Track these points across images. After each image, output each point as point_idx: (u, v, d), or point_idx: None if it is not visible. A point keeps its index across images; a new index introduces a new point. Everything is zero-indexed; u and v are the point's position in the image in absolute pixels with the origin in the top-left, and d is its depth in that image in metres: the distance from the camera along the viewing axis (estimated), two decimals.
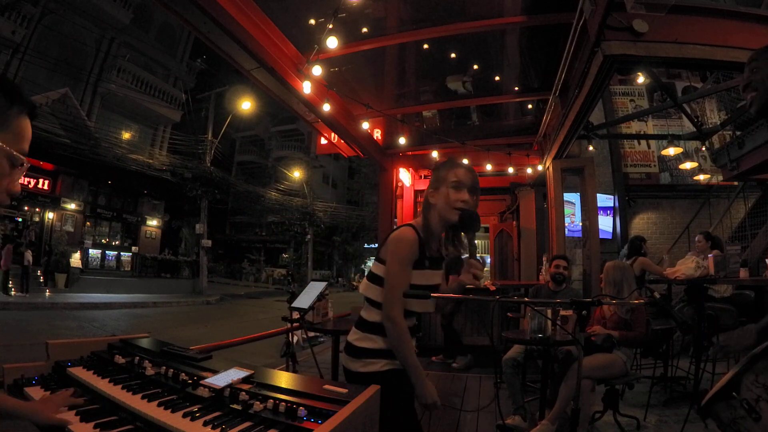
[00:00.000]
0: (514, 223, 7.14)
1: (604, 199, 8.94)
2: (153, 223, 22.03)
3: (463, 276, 1.65)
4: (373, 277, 1.64)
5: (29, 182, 16.15)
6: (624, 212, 9.15)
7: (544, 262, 5.56)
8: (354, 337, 1.66)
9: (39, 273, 14.01)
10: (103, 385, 1.29)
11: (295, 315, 3.60)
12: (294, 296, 3.49)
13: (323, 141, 6.57)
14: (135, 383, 1.29)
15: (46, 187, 16.79)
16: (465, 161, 1.87)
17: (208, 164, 17.90)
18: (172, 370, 1.33)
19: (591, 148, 6.39)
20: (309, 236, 25.29)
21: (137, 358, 1.47)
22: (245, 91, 15.46)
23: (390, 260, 1.57)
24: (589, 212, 5.71)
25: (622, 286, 3.20)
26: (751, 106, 1.20)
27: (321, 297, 3.57)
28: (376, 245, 7.50)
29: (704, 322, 3.47)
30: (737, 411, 0.98)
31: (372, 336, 1.62)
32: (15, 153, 0.79)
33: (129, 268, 19.71)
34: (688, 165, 7.38)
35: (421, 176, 7.69)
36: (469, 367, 5.25)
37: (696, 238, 4.89)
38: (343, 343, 1.74)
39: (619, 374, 2.91)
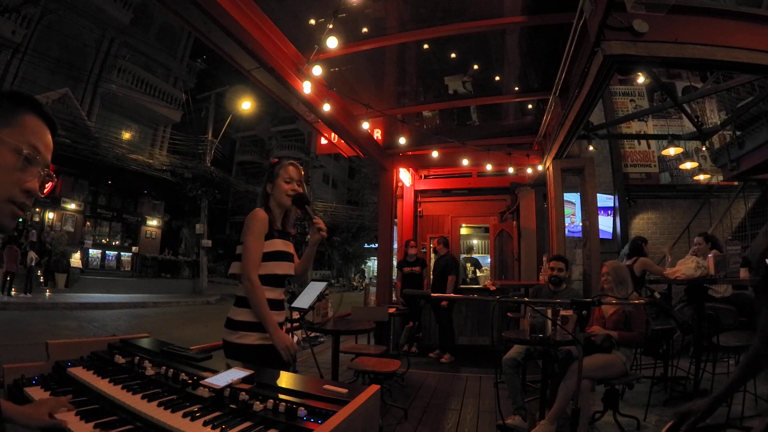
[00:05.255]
0: (514, 223, 7.14)
1: (604, 199, 8.93)
2: (153, 223, 22.00)
3: (312, 235, 2.03)
4: (237, 257, 1.92)
5: None
6: (624, 212, 9.15)
7: (545, 262, 5.56)
8: (232, 312, 1.90)
9: (39, 273, 14.02)
10: (103, 385, 1.29)
11: (295, 315, 3.60)
12: (294, 296, 3.49)
13: (323, 141, 6.56)
14: (135, 383, 1.29)
15: None
16: (292, 161, 2.12)
17: (209, 164, 17.89)
18: (172, 370, 1.33)
19: (591, 148, 6.38)
20: (309, 236, 25.28)
21: (137, 358, 1.47)
22: (245, 91, 15.46)
23: (245, 235, 1.87)
24: (589, 212, 5.70)
25: (621, 285, 3.21)
26: None
27: (321, 297, 3.57)
28: (376, 245, 7.52)
29: (704, 322, 3.47)
30: None
31: (246, 310, 1.86)
32: (19, 145, 0.79)
33: (129, 268, 19.67)
34: (688, 165, 7.38)
35: (421, 176, 7.69)
36: (453, 365, 5.49)
37: (695, 240, 4.88)
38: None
39: (618, 374, 2.91)
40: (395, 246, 7.18)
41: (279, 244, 1.98)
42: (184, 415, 1.07)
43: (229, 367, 1.34)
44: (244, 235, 1.88)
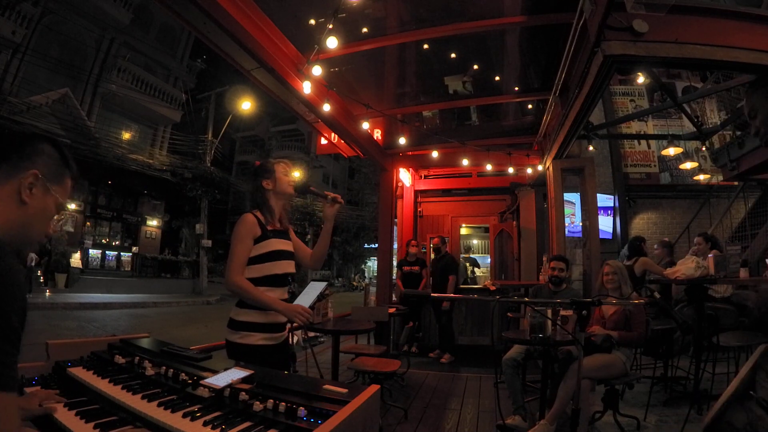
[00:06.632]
0: (514, 223, 7.14)
1: (604, 199, 8.93)
2: (153, 223, 22.00)
3: (329, 209, 2.16)
4: None
5: None
6: (624, 212, 9.15)
7: (545, 262, 5.56)
8: (234, 313, 1.94)
9: (39, 273, 14.02)
10: (103, 385, 1.29)
11: None
12: (294, 296, 3.48)
13: (323, 141, 6.56)
14: (135, 383, 1.29)
15: None
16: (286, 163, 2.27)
17: (208, 164, 17.89)
18: (172, 370, 1.33)
19: (591, 148, 6.37)
20: (309, 236, 25.30)
21: (137, 358, 1.47)
22: (245, 91, 15.45)
23: (232, 240, 1.93)
24: (589, 212, 5.70)
25: (626, 285, 3.22)
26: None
27: (321, 297, 3.56)
28: (376, 245, 7.53)
29: (704, 322, 3.47)
30: (754, 412, 0.95)
31: (248, 311, 1.90)
32: (62, 202, 1.05)
33: (129, 268, 19.68)
34: (688, 165, 7.38)
35: (421, 176, 7.69)
36: (453, 365, 5.52)
37: (695, 240, 4.88)
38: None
39: (618, 374, 2.91)
40: (395, 246, 7.18)
41: (275, 244, 1.99)
42: (184, 415, 1.07)
43: (229, 366, 1.34)
44: (231, 240, 1.95)
